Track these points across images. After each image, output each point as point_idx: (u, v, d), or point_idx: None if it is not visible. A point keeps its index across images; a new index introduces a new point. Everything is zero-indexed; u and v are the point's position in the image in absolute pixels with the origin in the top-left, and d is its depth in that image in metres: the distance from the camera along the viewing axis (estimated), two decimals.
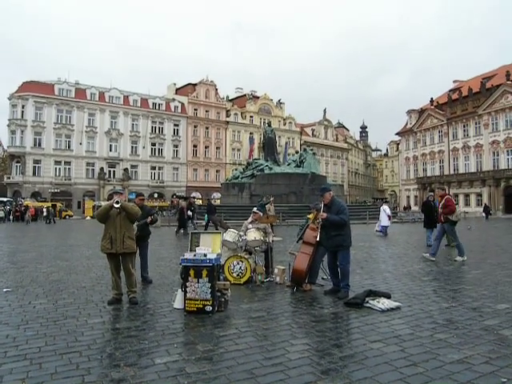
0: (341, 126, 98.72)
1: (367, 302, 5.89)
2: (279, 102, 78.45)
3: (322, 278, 7.68)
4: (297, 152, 45.91)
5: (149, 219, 7.58)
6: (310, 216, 7.78)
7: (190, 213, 20.19)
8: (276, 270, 7.77)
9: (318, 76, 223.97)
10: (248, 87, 75.61)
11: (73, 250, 13.58)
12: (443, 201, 10.23)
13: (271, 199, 19.35)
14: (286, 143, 71.58)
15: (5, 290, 7.14)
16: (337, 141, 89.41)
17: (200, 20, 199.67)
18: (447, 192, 10.76)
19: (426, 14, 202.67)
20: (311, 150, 41.43)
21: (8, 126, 54.17)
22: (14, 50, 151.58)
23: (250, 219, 8.49)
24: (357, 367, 3.77)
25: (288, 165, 38.72)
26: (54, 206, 44.99)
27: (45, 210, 39.18)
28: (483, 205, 48.42)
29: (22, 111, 53.72)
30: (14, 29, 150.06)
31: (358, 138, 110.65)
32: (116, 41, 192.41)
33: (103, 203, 44.86)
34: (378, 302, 5.82)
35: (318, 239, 6.76)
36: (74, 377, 3.58)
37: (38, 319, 5.34)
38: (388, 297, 6.08)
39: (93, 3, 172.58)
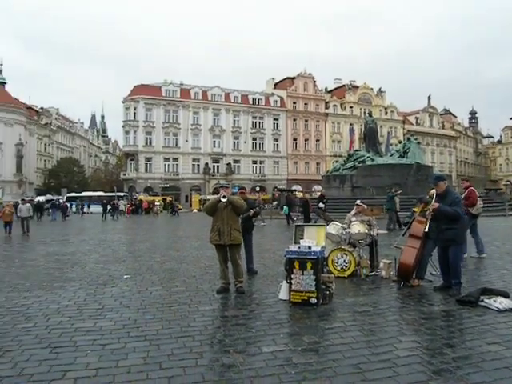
0: (447, 112, 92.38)
1: (482, 300, 5.48)
2: (380, 91, 75.62)
3: (431, 274, 7.30)
4: (400, 142, 43.97)
5: (251, 212, 7.75)
6: (416, 209, 7.44)
7: (322, 205, 19.43)
8: (381, 264, 7.55)
9: (421, 61, 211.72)
10: (347, 77, 73.78)
11: (182, 241, 14.44)
12: (466, 192, 9.61)
13: (399, 191, 18.80)
14: (388, 133, 68.74)
15: (125, 276, 7.83)
16: (443, 128, 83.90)
17: (296, 12, 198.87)
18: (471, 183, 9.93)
19: None
20: (415, 139, 39.35)
21: (123, 127, 59.28)
22: (128, 58, 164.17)
23: (353, 211, 8.34)
24: (472, 370, 3.54)
25: (391, 155, 37.18)
26: (164, 200, 48.13)
27: (157, 204, 42.05)
28: None
29: (135, 113, 58.34)
30: (128, 38, 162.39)
31: (466, 124, 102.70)
32: (218, 41, 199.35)
33: (209, 197, 47.07)
34: (495, 301, 5.40)
35: (425, 230, 6.43)
36: (189, 359, 3.83)
37: (155, 304, 5.78)
38: (506, 296, 5.60)
39: (194, 7, 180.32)
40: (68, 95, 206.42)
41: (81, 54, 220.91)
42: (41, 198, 43.12)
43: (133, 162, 58.58)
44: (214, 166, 61.74)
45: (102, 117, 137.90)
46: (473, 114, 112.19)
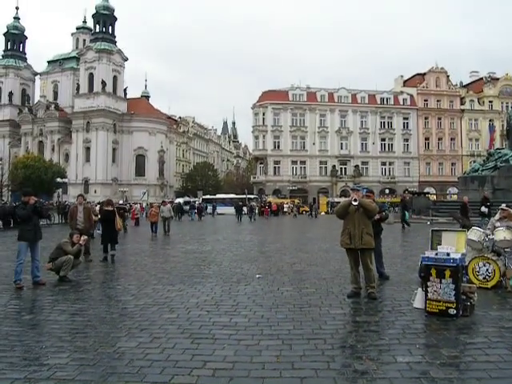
0: None
1: None
2: None
3: None
4: None
5: (377, 216, 7.35)
6: None
7: (484, 209, 17.86)
8: None
9: None
10: (485, 70, 67.38)
11: (311, 243, 14.55)
12: None
13: None
14: None
15: (257, 276, 8.13)
16: None
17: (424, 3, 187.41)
18: None
19: None
20: None
21: (252, 132, 61.91)
22: (258, 65, 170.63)
23: (497, 216, 7.61)
24: None
25: None
26: (293, 202, 49.04)
27: (291, 206, 43.02)
28: None
29: (263, 118, 60.44)
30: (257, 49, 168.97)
31: None
32: (348, 44, 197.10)
33: (336, 199, 46.71)
34: None
35: None
36: (320, 362, 3.85)
37: (286, 304, 5.91)
38: None
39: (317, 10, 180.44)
40: (203, 103, 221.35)
41: (214, 62, 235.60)
42: (180, 200, 46.87)
43: (262, 165, 60.73)
44: (341, 168, 61.09)
45: (233, 123, 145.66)
46: None
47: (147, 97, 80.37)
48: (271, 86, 62.87)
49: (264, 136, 60.30)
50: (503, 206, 7.75)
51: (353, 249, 6.31)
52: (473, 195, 30.78)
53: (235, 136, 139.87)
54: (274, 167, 60.20)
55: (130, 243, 15.37)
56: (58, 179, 47.60)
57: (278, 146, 60.33)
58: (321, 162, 61.09)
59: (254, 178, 61.93)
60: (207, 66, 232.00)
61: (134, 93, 79.73)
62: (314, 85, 64.20)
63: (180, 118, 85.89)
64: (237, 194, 55.46)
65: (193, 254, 11.69)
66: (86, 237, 8.77)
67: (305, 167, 60.71)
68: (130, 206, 32.35)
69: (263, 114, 60.53)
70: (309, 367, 3.74)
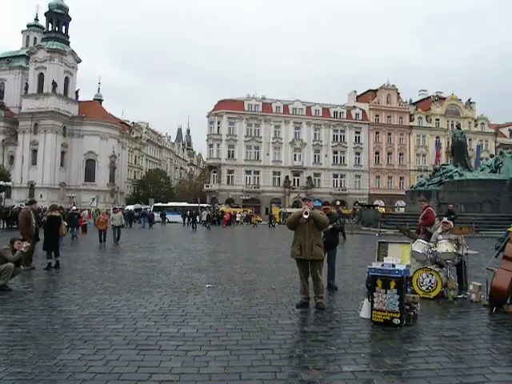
0: None
1: None
2: (469, 102, 71.36)
3: None
4: (491, 156, 41.16)
5: (330, 226, 7.48)
6: (511, 229, 6.91)
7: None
8: (471, 287, 7.08)
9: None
10: (433, 89, 71.02)
11: (262, 254, 14.59)
12: (424, 212, 9.37)
13: None
14: (479, 146, 64.79)
15: (207, 285, 8.06)
16: None
17: (378, 18, 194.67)
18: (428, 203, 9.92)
19: None
20: (509, 153, 36.56)
21: (207, 140, 61.71)
22: (213, 74, 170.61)
23: (439, 230, 7.94)
24: None
25: (481, 170, 34.92)
26: (245, 212, 49.12)
27: (240, 216, 42.98)
28: None
29: (218, 127, 60.42)
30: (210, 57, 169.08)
31: None
32: (297, 53, 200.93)
33: (289, 210, 47.18)
34: None
35: None
36: (268, 372, 3.86)
37: (235, 315, 5.89)
38: None
39: (276, 21, 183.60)
40: (158, 110, 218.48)
41: (169, 70, 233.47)
42: (130, 207, 45.80)
43: (215, 174, 60.52)
44: (294, 179, 61.89)
45: (188, 131, 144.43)
46: None
47: (100, 100, 78.24)
48: (227, 95, 63.11)
49: (218, 145, 60.22)
50: (445, 219, 8.10)
51: (303, 260, 6.37)
52: (418, 208, 32.07)
53: (189, 144, 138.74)
54: (228, 176, 60.16)
55: (77, 251, 14.86)
56: (1, 182, 45.35)
57: (232, 156, 60.40)
58: (274, 173, 61.64)
59: (208, 186, 61.57)
60: (164, 72, 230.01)
61: (86, 96, 77.30)
62: (270, 96, 64.98)
63: (133, 123, 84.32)
64: (189, 203, 54.93)
65: (142, 263, 11.44)
66: (28, 243, 8.39)
67: (258, 177, 61.05)
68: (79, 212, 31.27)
69: (218, 123, 60.50)
70: (256, 378, 3.74)
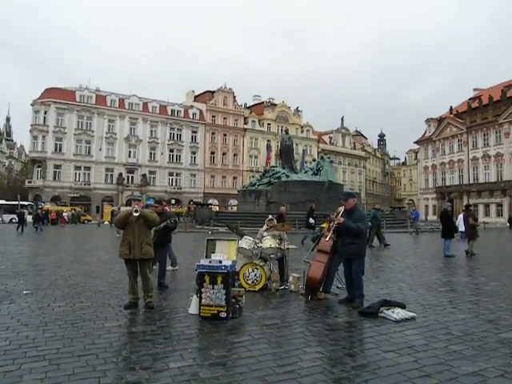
0: (358, 134, 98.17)
1: (382, 311, 5.86)
2: (297, 110, 78.54)
3: (337, 287, 7.66)
4: (314, 160, 45.85)
5: (162, 225, 7.47)
6: (324, 225, 7.79)
7: (312, 220, 17.70)
8: (291, 278, 7.79)
9: (337, 86, 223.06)
10: (266, 95, 76.35)
11: (91, 255, 13.80)
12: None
13: (377, 206, 19.76)
14: (304, 151, 71.46)
15: (25, 292, 7.30)
16: (354, 149, 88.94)
17: (220, 22, 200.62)
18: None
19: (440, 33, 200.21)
20: (328, 157, 41.30)
21: (30, 131, 55.52)
22: (40, 57, 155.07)
23: (265, 227, 8.54)
24: (369, 377, 3.77)
25: (305, 173, 38.62)
26: (73, 211, 45.80)
27: (67, 215, 39.92)
28: (508, 215, 48.23)
29: (44, 117, 54.99)
30: (40, 36, 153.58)
31: (375, 146, 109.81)
32: (141, 46, 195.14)
33: (122, 208, 45.45)
34: (393, 312, 5.79)
35: (327, 240, 6.79)
36: (91, 378, 3.67)
37: (57, 321, 5.46)
38: (403, 307, 6.04)
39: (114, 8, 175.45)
40: None
41: None
42: None
43: (40, 169, 54.96)
44: (128, 176, 59.84)
45: (8, 119, 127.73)
46: (381, 136, 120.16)
47: None
48: (57, 83, 57.92)
49: (44, 137, 54.82)
50: (270, 217, 8.74)
51: (132, 259, 6.22)
52: (249, 207, 34.01)
53: (9, 134, 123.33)
54: (55, 172, 55.20)
55: None
56: None
57: (60, 149, 55.63)
58: (107, 169, 58.73)
59: (30, 182, 55.57)
60: None
61: None
62: (105, 88, 61.81)
63: None
64: (8, 200, 49.06)
65: None
66: None
67: (89, 173, 57.43)
68: None
69: (45, 113, 55.03)
70: None
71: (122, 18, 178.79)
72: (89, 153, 57.54)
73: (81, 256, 13.39)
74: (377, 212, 18.92)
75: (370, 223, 18.01)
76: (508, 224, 42.52)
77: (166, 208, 9.08)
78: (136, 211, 6.13)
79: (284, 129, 56.57)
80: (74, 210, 48.15)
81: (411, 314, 5.78)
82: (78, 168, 56.73)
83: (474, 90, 69.29)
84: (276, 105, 76.13)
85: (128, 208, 6.46)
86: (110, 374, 3.77)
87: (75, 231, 30.87)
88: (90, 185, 56.88)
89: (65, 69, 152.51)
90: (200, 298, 5.59)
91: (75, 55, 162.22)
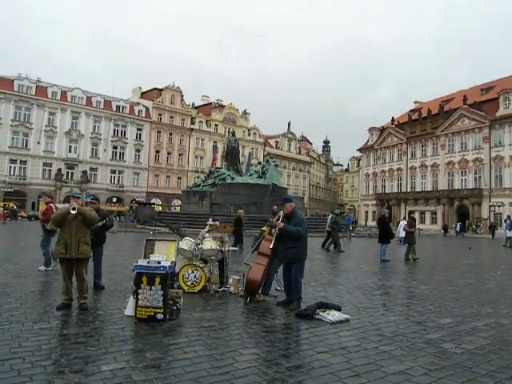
0: (304, 139, 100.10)
1: (318, 313, 6.01)
2: (245, 113, 78.85)
3: (276, 289, 7.77)
4: (259, 163, 46.15)
5: (100, 223, 7.30)
6: (265, 228, 7.89)
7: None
8: (230, 280, 7.80)
9: (286, 92, 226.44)
10: (215, 96, 76.30)
11: (24, 253, 13.14)
12: (44, 209, 10.11)
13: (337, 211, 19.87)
14: (250, 154, 71.68)
15: None
16: (300, 154, 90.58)
17: (173, 23, 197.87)
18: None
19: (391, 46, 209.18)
20: (274, 161, 41.76)
21: None
22: None
23: (206, 228, 8.51)
24: (303, 377, 3.86)
25: (250, 175, 38.84)
26: (4, 206, 43.40)
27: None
28: (442, 223, 51.25)
29: None
30: None
31: (320, 152, 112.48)
32: (87, 37, 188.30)
33: (59, 205, 43.65)
34: (329, 314, 5.95)
35: (271, 247, 6.85)
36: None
37: None
38: (338, 309, 6.22)
39: None
40: None
41: None
42: None
43: None
44: (67, 172, 57.39)
45: None
46: (326, 142, 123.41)
47: None
48: None
49: None
50: (210, 221, 8.71)
51: (68, 259, 6.00)
52: (193, 208, 33.74)
53: None
54: None
55: None
56: None
57: None
58: (45, 164, 55.97)
59: None
60: None
61: None
62: (46, 79, 59.05)
63: None
64: None
65: None
66: None
67: (25, 167, 54.47)
68: None
69: None
70: None
71: (68, 5, 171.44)
72: (26, 146, 54.59)
73: (13, 254, 12.72)
74: (337, 217, 19.27)
75: (329, 228, 18.51)
76: (442, 231, 45.13)
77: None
78: (74, 209, 5.91)
79: (231, 131, 56.57)
80: (8, 205, 45.65)
81: (346, 316, 5.97)
82: (13, 161, 53.66)
83: (415, 102, 72.93)
84: (224, 106, 76.01)
85: (66, 205, 6.21)
86: (37, 379, 3.61)
87: (11, 228, 29.28)
88: (25, 179, 53.99)
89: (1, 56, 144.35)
90: (137, 299, 5.48)
91: (14, 43, 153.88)
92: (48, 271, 9.46)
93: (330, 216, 20.20)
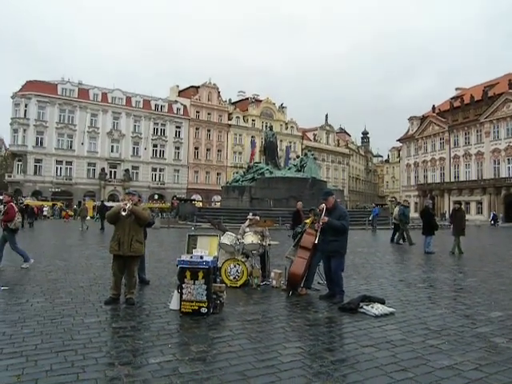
0: (342, 131, 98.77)
1: (361, 307, 5.94)
2: (281, 107, 78.56)
3: (318, 283, 7.72)
4: (298, 157, 45.88)
5: None
6: (308, 221, 7.83)
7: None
8: (272, 274, 7.82)
9: (323, 82, 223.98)
10: (251, 91, 76.32)
11: (72, 250, 13.64)
12: (5, 208, 9.76)
13: (407, 204, 18.83)
14: (287, 147, 71.58)
15: (2, 288, 7.18)
16: (338, 146, 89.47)
17: (208, 21, 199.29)
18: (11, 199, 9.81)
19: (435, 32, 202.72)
20: (312, 154, 41.37)
21: (10, 124, 54.41)
22: (21, 48, 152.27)
23: (247, 223, 8.55)
24: (348, 371, 3.82)
25: (289, 169, 38.68)
26: (53, 206, 45.15)
27: (47, 210, 39.40)
28: (488, 213, 49.62)
29: (25, 110, 53.83)
30: (24, 27, 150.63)
31: (359, 143, 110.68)
32: (128, 42, 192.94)
33: (110, 204, 44.98)
34: (372, 307, 5.87)
35: (315, 242, 6.79)
36: (69, 374, 3.64)
37: (35, 317, 5.40)
38: (382, 302, 6.12)
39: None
40: None
41: None
42: None
43: (20, 163, 53.98)
44: (110, 171, 59.17)
45: None
46: (365, 133, 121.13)
47: None
48: (38, 76, 56.83)
49: (25, 130, 53.78)
50: (250, 215, 8.72)
51: (120, 255, 6.19)
52: (233, 203, 33.98)
53: None
54: (35, 166, 54.24)
55: None
56: None
57: (41, 143, 54.69)
58: (89, 164, 57.94)
59: (10, 176, 54.58)
60: None
61: None
62: (88, 82, 60.91)
63: None
64: None
65: None
66: None
67: (71, 168, 56.56)
68: None
69: (25, 106, 53.92)
70: (55, 382, 3.49)
71: (110, 17, 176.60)
72: (71, 147, 56.67)
73: (62, 251, 13.22)
74: (405, 209, 17.77)
75: (395, 220, 17.82)
76: (492, 221, 43.68)
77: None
78: (124, 210, 6.07)
79: (268, 125, 56.48)
80: (56, 204, 47.48)
81: (390, 310, 5.87)
82: (59, 162, 55.85)
83: (457, 89, 70.29)
84: (261, 101, 75.99)
85: (121, 203, 6.38)
86: (89, 370, 3.75)
87: (56, 226, 30.45)
88: (71, 180, 56.08)
89: (47, 62, 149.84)
90: (181, 294, 5.58)
91: (58, 50, 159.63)
92: (30, 266, 9.58)
93: (396, 208, 19.08)
